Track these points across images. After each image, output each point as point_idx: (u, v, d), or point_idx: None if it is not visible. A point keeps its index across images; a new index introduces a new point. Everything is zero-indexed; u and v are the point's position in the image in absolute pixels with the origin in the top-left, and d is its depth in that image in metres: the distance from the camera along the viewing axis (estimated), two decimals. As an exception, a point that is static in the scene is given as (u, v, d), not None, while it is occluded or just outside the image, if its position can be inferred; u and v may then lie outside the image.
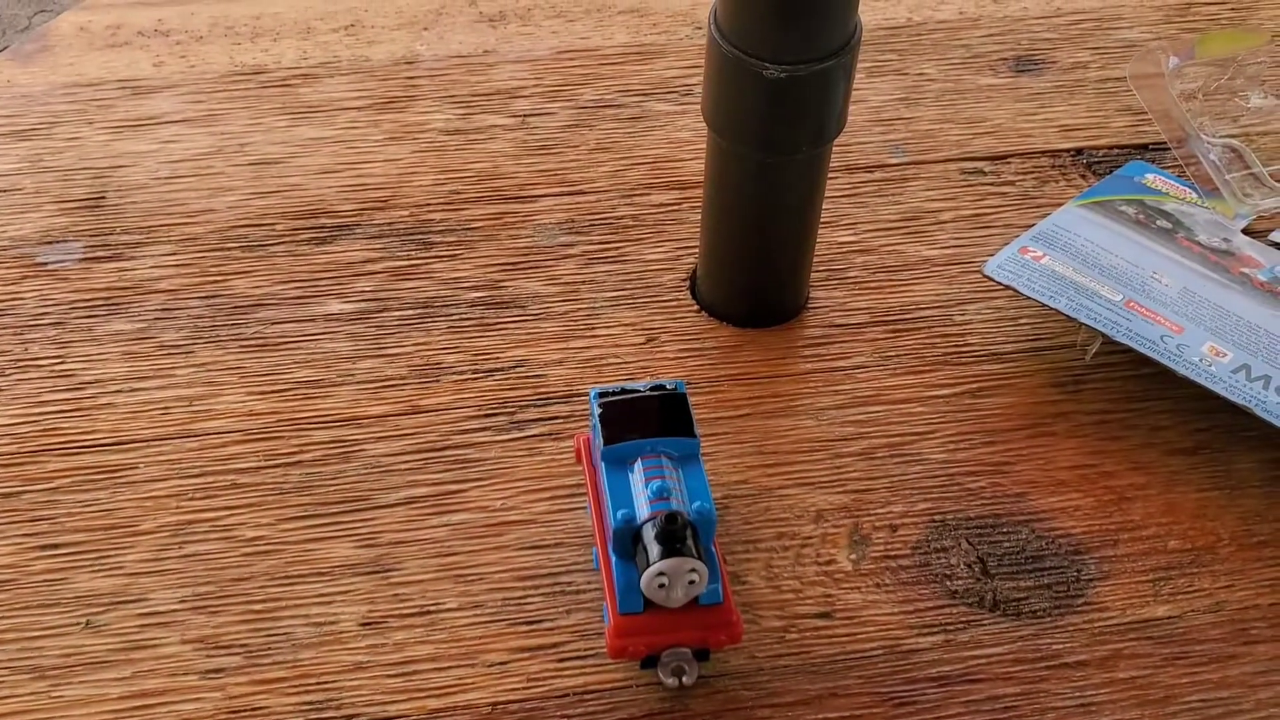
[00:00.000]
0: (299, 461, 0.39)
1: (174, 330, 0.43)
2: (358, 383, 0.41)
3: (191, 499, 0.38)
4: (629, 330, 0.43)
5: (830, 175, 0.41)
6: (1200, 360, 0.39)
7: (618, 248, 0.46)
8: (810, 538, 0.37)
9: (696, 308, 0.44)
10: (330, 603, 0.36)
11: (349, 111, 0.52)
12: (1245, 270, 0.43)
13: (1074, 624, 0.35)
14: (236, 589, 0.35)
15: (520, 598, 0.36)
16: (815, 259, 0.44)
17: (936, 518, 0.37)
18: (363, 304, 0.44)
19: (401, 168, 0.49)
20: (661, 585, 0.30)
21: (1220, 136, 0.47)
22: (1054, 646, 0.34)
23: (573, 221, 0.47)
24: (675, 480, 0.32)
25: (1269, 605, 0.35)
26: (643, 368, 0.42)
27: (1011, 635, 0.34)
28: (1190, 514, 0.38)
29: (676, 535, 0.30)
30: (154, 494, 0.38)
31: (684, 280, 0.45)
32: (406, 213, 0.47)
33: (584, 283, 0.45)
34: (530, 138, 0.51)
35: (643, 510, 0.32)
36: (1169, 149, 0.49)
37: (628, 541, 0.31)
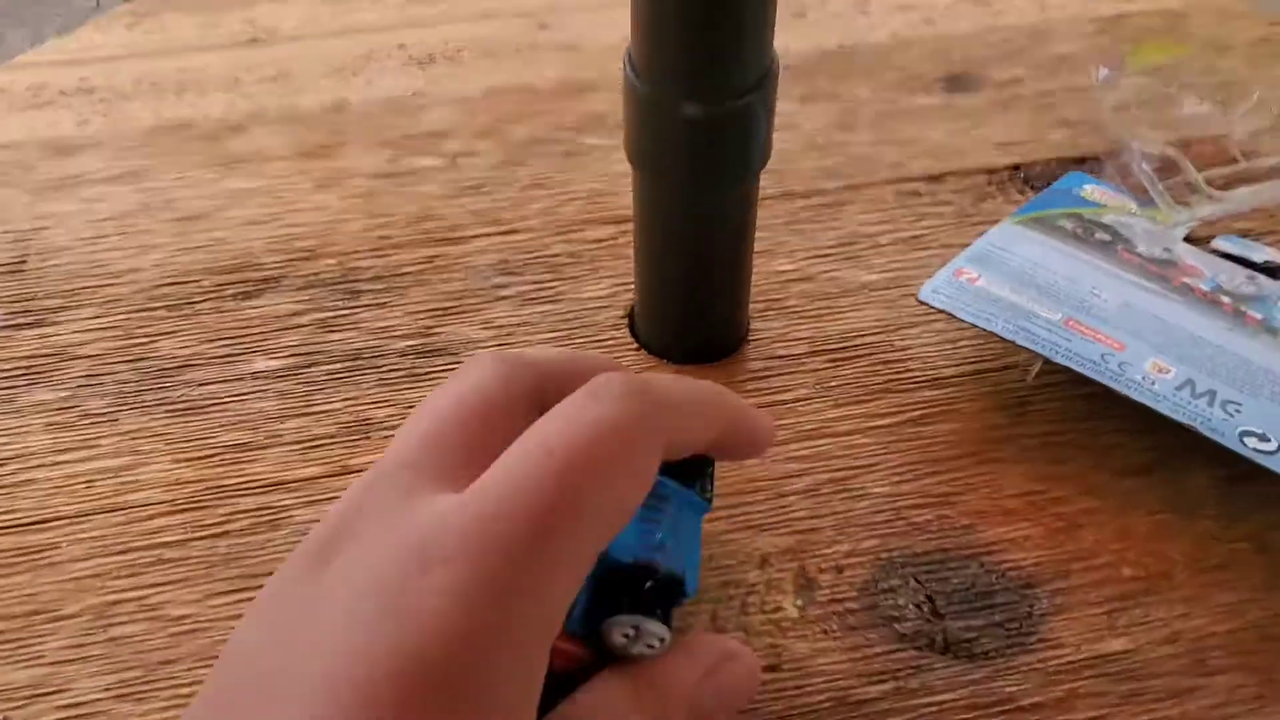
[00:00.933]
0: (226, 532, 0.37)
1: (98, 398, 0.41)
2: (285, 444, 0.40)
3: (116, 578, 0.36)
4: (566, 375, 0.42)
5: (767, 203, 0.40)
6: (1143, 379, 0.38)
7: (553, 287, 0.45)
8: (755, 585, 0.36)
9: (635, 345, 0.43)
10: (262, 679, 0.34)
11: (277, 161, 0.51)
12: (1187, 280, 0.43)
13: (1027, 664, 0.34)
14: (163, 672, 0.34)
15: (459, 663, 0.34)
16: (754, 289, 0.43)
17: (883, 556, 0.36)
18: (290, 359, 0.42)
19: (330, 214, 0.48)
20: (625, 635, 0.29)
21: (1155, 146, 0.47)
22: (1008, 689, 0.33)
23: (506, 262, 0.46)
24: (672, 530, 0.30)
25: (1225, 632, 0.34)
26: (581, 413, 0.41)
27: (964, 680, 0.33)
28: (1143, 538, 0.37)
29: (672, 599, 0.28)
30: (76, 575, 0.36)
31: (622, 318, 0.44)
32: (334, 261, 0.46)
33: (519, 325, 0.44)
34: (461, 178, 0.50)
35: (641, 554, 0.29)
36: (1105, 161, 0.48)
37: (613, 577, 0.28)
